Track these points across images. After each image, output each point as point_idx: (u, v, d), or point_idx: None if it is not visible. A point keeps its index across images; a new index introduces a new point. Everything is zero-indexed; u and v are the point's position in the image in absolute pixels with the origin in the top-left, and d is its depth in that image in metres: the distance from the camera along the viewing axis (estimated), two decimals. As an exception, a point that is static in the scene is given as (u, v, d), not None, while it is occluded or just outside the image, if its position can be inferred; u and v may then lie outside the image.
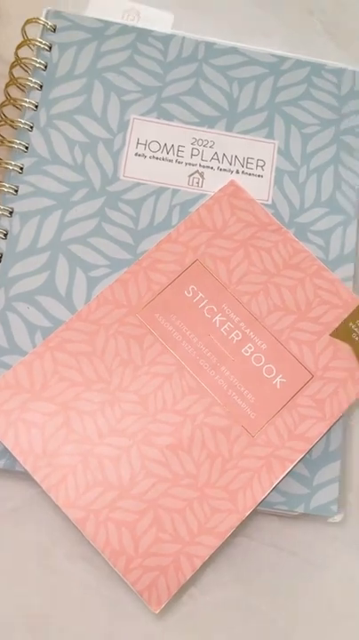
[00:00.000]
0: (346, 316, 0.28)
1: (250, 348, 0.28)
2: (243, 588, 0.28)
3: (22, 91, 0.31)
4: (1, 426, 0.26)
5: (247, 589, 0.28)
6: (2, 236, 0.29)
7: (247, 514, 0.26)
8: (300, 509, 0.27)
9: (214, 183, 0.31)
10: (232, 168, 0.31)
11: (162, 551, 0.25)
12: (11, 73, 0.31)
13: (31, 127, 0.30)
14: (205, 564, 0.26)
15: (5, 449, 0.26)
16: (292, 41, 0.36)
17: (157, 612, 0.25)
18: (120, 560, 0.25)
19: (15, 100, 0.31)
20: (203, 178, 0.31)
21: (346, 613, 0.28)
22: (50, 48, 0.31)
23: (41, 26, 0.32)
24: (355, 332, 0.28)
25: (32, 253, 0.29)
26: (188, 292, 0.29)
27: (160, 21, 0.35)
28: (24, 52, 0.32)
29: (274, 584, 0.28)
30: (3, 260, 0.28)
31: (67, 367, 0.27)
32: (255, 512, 0.27)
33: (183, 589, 0.27)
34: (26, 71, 0.32)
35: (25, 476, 0.27)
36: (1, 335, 0.28)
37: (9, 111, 0.31)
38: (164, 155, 0.31)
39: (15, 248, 0.29)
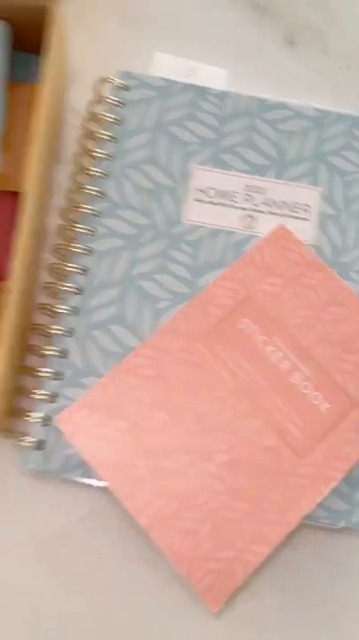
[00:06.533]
0: (385, 349, 0.32)
1: (298, 376, 0.31)
2: (286, 597, 0.30)
3: (93, 140, 0.35)
4: (81, 441, 0.29)
5: (289, 598, 0.30)
6: (82, 272, 0.32)
7: (294, 526, 0.29)
8: (341, 524, 0.30)
9: (265, 225, 0.34)
10: (280, 212, 0.35)
11: (219, 557, 0.28)
12: (85, 127, 0.35)
13: (106, 175, 0.34)
14: (253, 572, 0.29)
15: (82, 461, 0.30)
16: (333, 95, 0.40)
17: (215, 611, 0.28)
18: (183, 563, 0.28)
19: (90, 151, 0.35)
20: (254, 221, 0.34)
21: (382, 621, 0.30)
22: (123, 105, 0.35)
23: (111, 84, 0.36)
24: (393, 363, 0.31)
25: (106, 287, 0.32)
26: (242, 325, 0.32)
27: (215, 77, 0.39)
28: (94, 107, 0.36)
29: (315, 593, 0.31)
30: (83, 293, 0.32)
31: (137, 389, 0.31)
32: (300, 525, 0.30)
33: (234, 594, 0.30)
34: (98, 124, 0.36)
35: (89, 487, 0.30)
36: (79, 359, 0.31)
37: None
38: (220, 200, 0.35)
39: (92, 282, 0.32)
